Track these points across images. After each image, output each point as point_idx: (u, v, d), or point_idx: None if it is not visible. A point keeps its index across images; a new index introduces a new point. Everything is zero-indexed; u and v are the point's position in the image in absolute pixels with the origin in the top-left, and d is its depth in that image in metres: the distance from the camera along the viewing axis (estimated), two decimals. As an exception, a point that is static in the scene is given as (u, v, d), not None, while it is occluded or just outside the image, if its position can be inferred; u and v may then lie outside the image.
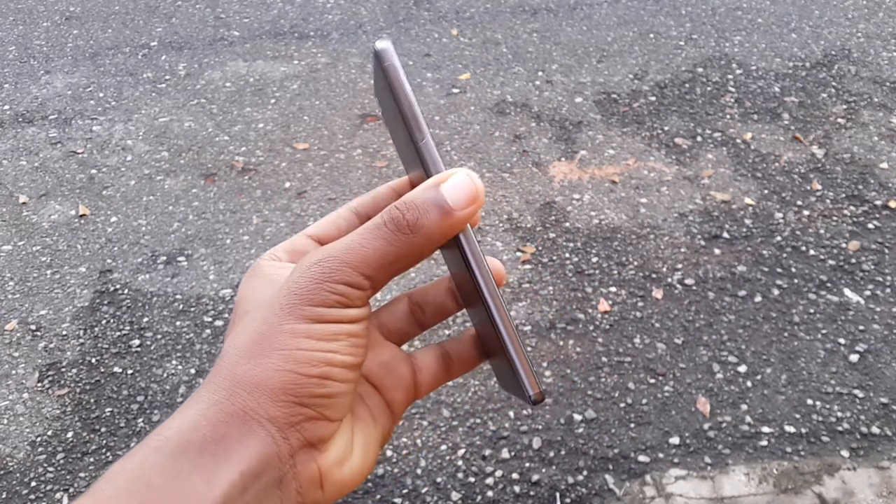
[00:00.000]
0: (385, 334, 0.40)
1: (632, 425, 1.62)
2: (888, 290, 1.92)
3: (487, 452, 1.57)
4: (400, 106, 0.32)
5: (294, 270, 0.32)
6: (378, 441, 0.36)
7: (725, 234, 2.12)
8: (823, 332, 1.81)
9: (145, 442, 0.29)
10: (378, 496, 1.51)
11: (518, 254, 2.08)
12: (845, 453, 1.54)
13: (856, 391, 1.66)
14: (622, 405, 1.66)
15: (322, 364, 0.30)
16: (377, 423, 0.36)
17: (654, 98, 2.75)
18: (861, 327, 1.82)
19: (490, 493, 1.50)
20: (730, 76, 2.86)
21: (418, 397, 0.39)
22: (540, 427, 1.62)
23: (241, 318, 0.32)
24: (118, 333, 1.89)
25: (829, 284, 1.94)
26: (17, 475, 1.57)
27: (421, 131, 0.32)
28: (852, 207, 2.20)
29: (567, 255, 2.07)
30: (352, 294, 0.31)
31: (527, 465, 1.55)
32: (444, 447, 1.59)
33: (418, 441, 1.61)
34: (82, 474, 1.57)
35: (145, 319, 1.92)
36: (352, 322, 0.31)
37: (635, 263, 2.03)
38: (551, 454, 1.57)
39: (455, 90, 2.83)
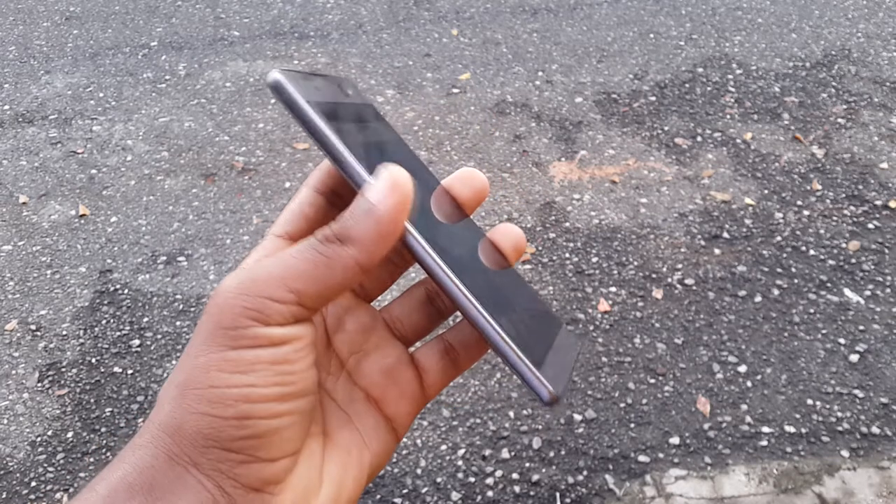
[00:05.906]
0: (398, 332, 0.35)
1: (632, 425, 1.62)
2: (888, 290, 1.92)
3: (487, 452, 1.57)
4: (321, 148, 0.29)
5: (217, 287, 0.28)
6: (368, 466, 0.32)
7: (725, 234, 2.12)
8: (823, 332, 1.81)
9: (76, 500, 0.27)
10: (378, 496, 1.51)
11: (518, 254, 2.08)
12: (845, 453, 1.54)
13: (856, 391, 1.66)
14: (622, 405, 1.66)
15: (238, 401, 0.25)
16: (368, 446, 0.33)
17: (654, 98, 2.75)
18: (861, 327, 1.82)
19: (490, 493, 1.50)
20: (730, 76, 2.86)
21: (428, 401, 0.35)
22: (540, 427, 1.62)
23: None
24: (118, 333, 1.89)
25: (829, 284, 1.94)
26: (17, 475, 1.57)
27: (358, 177, 0.29)
28: (852, 207, 2.20)
29: (567, 255, 2.07)
30: (270, 308, 0.26)
31: (527, 465, 1.55)
32: (444, 447, 1.59)
33: (418, 441, 1.61)
34: (82, 474, 1.57)
35: (145, 319, 1.92)
36: (275, 345, 0.26)
37: (635, 263, 2.03)
38: (551, 454, 1.57)
39: (455, 90, 2.83)
